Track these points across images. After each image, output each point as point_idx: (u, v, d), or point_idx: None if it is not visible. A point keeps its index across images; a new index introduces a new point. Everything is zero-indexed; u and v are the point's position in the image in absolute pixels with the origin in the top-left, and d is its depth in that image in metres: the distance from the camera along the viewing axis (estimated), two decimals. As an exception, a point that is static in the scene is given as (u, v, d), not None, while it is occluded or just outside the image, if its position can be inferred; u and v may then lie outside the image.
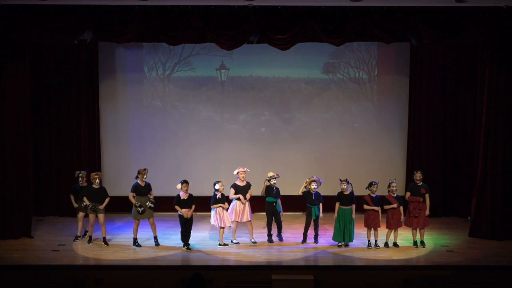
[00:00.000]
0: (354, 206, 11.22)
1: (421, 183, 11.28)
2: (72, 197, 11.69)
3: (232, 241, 11.46)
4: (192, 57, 13.92)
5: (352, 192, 11.25)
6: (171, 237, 11.73)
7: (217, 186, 11.21)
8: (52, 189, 13.81)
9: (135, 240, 11.32)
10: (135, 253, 10.92)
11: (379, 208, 11.20)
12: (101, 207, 11.24)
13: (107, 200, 11.35)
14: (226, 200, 11.36)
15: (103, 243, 11.29)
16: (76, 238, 11.57)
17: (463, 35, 11.41)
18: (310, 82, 14.06)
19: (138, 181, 11.26)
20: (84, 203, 11.35)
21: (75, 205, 11.56)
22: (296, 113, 14.14)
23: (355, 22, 11.21)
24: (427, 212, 11.23)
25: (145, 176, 11.27)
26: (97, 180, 11.34)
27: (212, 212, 11.30)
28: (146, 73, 14.01)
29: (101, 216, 11.24)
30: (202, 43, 12.99)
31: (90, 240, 11.40)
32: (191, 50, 13.86)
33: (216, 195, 11.24)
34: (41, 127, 13.59)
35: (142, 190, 11.26)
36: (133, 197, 11.18)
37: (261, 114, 14.15)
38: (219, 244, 11.34)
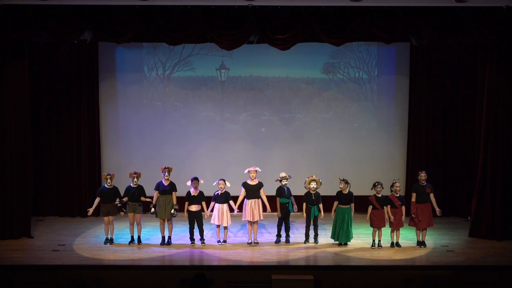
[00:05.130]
0: (352, 205, 11.26)
1: (425, 183, 11.29)
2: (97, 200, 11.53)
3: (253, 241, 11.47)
4: (192, 57, 13.92)
5: (350, 191, 11.28)
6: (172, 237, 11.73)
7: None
8: (52, 189, 13.81)
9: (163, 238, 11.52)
10: (135, 253, 10.93)
11: (388, 207, 11.19)
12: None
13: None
14: (227, 198, 11.37)
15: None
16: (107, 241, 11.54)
17: (463, 35, 11.42)
18: (310, 82, 14.06)
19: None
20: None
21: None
22: (296, 113, 14.14)
23: (355, 22, 11.21)
24: (438, 211, 11.23)
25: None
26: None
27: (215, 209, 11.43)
28: (146, 73, 14.01)
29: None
30: (202, 43, 12.99)
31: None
32: (191, 50, 13.86)
33: (216, 192, 11.37)
34: (41, 127, 13.60)
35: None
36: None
37: (261, 114, 14.15)
38: (217, 241, 11.42)
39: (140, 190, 11.41)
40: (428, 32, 11.23)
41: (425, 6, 11.07)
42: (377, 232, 11.28)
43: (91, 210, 11.43)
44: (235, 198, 11.51)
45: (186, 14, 11.16)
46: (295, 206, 11.51)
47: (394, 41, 11.73)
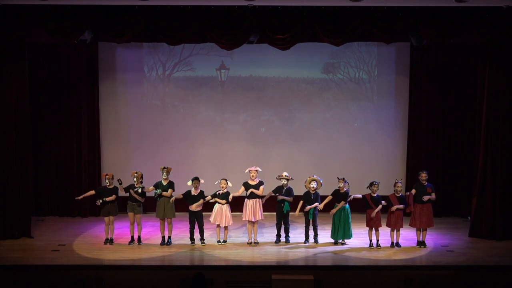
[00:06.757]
0: (342, 202, 11.25)
1: (426, 183, 11.30)
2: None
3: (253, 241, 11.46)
4: (192, 57, 13.92)
5: (347, 191, 11.29)
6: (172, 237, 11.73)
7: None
8: (52, 189, 13.81)
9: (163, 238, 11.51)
10: (135, 253, 10.92)
11: (389, 207, 11.21)
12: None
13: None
14: (226, 198, 11.37)
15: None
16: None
17: (463, 35, 11.42)
18: (310, 82, 14.06)
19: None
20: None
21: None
22: (296, 113, 14.14)
23: (355, 22, 11.21)
24: (432, 196, 11.17)
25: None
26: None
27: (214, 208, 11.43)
28: (146, 73, 14.01)
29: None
30: (202, 43, 12.97)
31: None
32: (191, 50, 13.86)
33: (217, 191, 11.36)
34: (41, 127, 13.60)
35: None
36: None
37: (261, 114, 14.15)
38: (217, 241, 11.42)
39: (142, 190, 11.41)
40: (428, 32, 11.23)
41: (425, 6, 11.07)
42: (373, 231, 11.29)
43: (81, 197, 11.49)
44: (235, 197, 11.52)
45: (186, 14, 11.17)
46: (289, 199, 11.43)
47: (394, 41, 11.74)
